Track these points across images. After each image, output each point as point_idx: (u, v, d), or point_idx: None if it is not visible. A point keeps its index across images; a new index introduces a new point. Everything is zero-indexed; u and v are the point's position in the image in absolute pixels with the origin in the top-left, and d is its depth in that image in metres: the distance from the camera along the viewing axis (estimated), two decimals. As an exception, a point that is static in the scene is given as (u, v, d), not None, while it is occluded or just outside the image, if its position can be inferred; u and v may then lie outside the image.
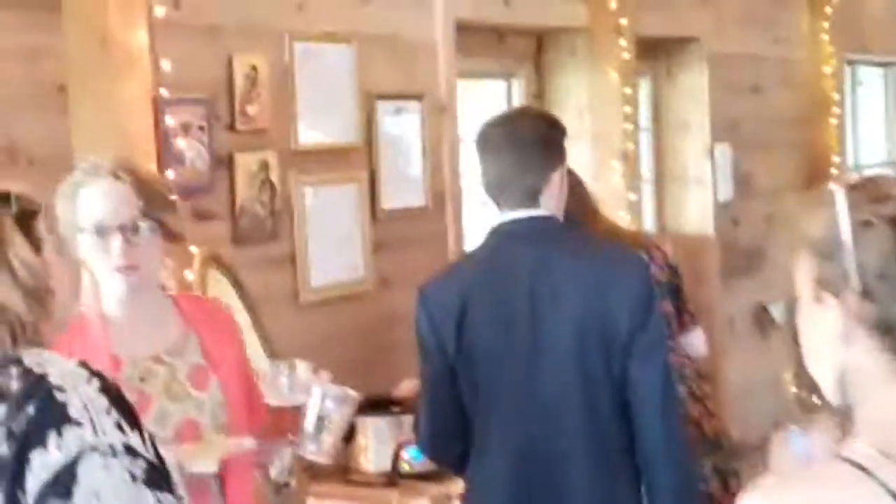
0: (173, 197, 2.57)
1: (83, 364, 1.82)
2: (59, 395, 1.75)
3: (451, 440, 2.88)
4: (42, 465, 1.72)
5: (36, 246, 1.87)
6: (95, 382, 1.79)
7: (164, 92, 3.36)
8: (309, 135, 4.01)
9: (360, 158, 4.25)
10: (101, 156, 3.18)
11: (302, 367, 2.48)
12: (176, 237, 2.48)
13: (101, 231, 2.32)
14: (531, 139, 2.82)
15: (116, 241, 2.32)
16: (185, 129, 3.51)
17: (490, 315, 2.77)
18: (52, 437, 1.72)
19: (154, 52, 3.33)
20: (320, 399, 2.43)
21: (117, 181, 2.37)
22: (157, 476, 1.79)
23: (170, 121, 3.39)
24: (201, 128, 3.57)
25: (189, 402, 2.39)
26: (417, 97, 4.50)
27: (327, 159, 4.10)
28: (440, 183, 4.60)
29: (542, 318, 2.74)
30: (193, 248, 3.38)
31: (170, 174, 3.38)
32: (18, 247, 1.83)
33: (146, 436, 1.81)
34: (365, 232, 4.25)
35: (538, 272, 2.74)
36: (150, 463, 1.78)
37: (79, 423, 1.73)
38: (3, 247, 1.83)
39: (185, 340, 2.45)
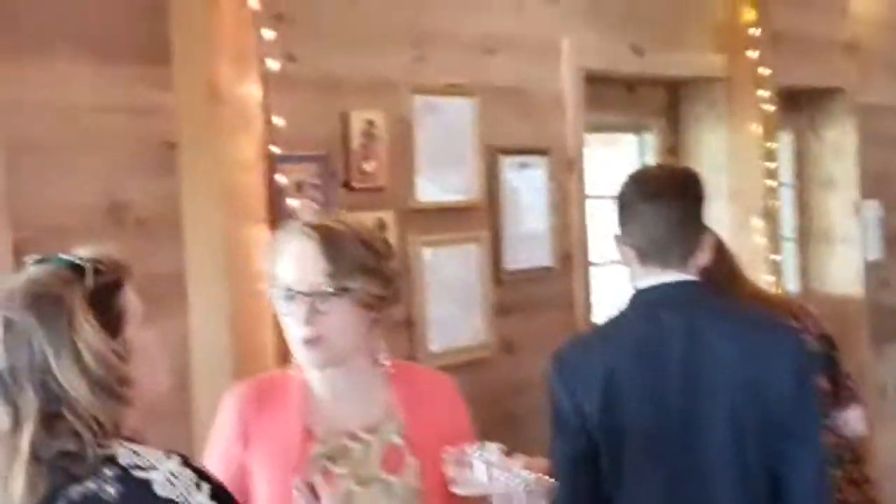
0: (376, 258, 2.20)
1: (185, 461, 1.66)
2: None
3: None
4: None
5: (114, 325, 1.70)
6: (206, 488, 1.63)
7: (275, 149, 3.21)
8: (428, 192, 3.83)
9: (482, 216, 4.05)
10: (212, 216, 3.11)
11: (493, 449, 2.10)
12: (374, 306, 2.17)
13: (289, 297, 2.13)
14: (690, 195, 2.64)
15: (300, 309, 2.11)
16: (299, 187, 3.35)
17: (639, 389, 2.55)
18: None
19: (267, 107, 3.18)
20: (517, 489, 2.04)
21: (306, 240, 2.14)
22: None
23: (282, 179, 3.24)
24: (315, 185, 3.40)
25: (377, 486, 2.17)
26: (543, 152, 4.29)
27: (447, 218, 3.91)
28: (567, 242, 4.37)
29: (695, 393, 2.53)
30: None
31: (280, 235, 3.21)
32: (87, 332, 1.66)
33: None
34: (487, 294, 4.04)
35: (689, 343, 2.54)
36: None
37: None
38: (71, 331, 1.66)
39: (388, 417, 2.22)
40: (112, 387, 1.67)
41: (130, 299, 1.77)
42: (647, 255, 2.60)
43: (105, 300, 1.71)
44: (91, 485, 1.62)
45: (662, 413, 2.53)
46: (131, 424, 1.73)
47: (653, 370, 2.55)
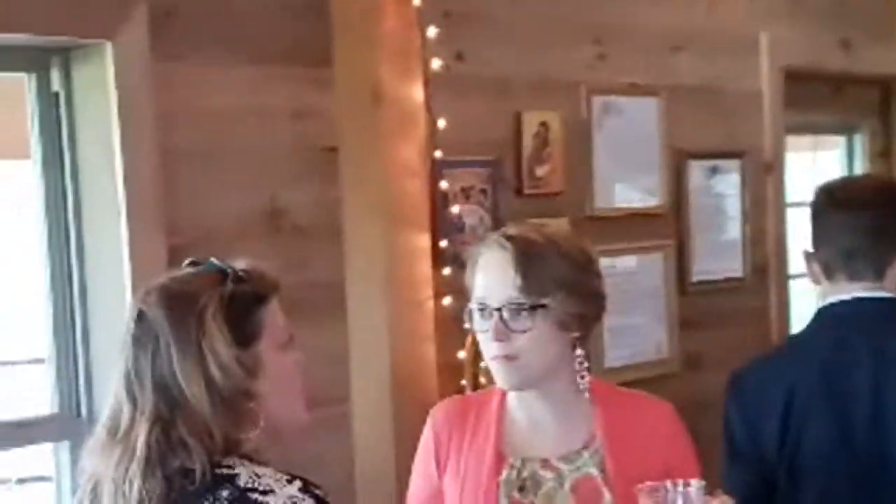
0: (577, 272, 1.99)
1: (306, 487, 1.53)
2: None
3: None
4: None
5: (246, 336, 1.60)
6: None
7: (439, 153, 3.07)
8: (608, 198, 3.63)
9: (667, 224, 3.83)
10: (373, 223, 3.00)
11: (697, 488, 1.83)
12: (574, 324, 1.97)
13: (481, 312, 1.98)
14: (891, 204, 2.38)
15: (492, 325, 1.96)
16: (465, 193, 3.20)
17: (822, 421, 2.28)
18: None
19: (431, 109, 3.05)
20: None
21: (500, 251, 1.97)
22: None
23: (447, 184, 3.09)
24: (483, 191, 3.25)
25: None
26: (738, 155, 4.03)
27: (629, 226, 3.69)
28: (762, 252, 4.09)
29: (885, 430, 2.27)
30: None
31: (444, 244, 3.07)
32: (214, 337, 1.57)
33: None
34: (671, 306, 3.82)
35: (881, 371, 2.28)
36: None
37: None
38: (199, 333, 1.57)
39: (587, 447, 2.04)
40: (233, 399, 1.56)
41: (272, 315, 1.66)
42: (836, 268, 2.34)
43: (241, 309, 1.60)
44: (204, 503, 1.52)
45: (847, 452, 2.27)
46: (253, 446, 1.60)
47: (838, 398, 2.29)
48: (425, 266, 3.03)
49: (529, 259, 1.95)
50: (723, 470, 2.40)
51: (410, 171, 3.03)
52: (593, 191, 3.58)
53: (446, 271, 3.05)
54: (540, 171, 3.43)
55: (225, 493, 1.51)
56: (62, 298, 2.61)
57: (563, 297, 1.95)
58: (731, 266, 4.00)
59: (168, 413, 1.56)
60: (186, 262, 1.71)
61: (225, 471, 1.53)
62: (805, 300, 4.23)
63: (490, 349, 1.98)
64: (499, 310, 1.96)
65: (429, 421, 2.14)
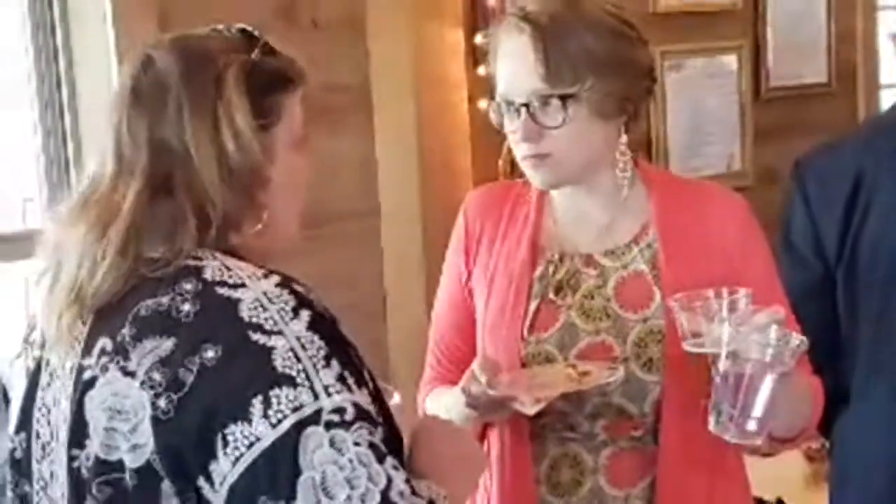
0: (615, 45, 1.68)
1: (286, 282, 1.28)
2: (258, 339, 1.23)
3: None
4: (242, 442, 1.21)
5: (266, 116, 1.34)
6: (305, 315, 1.25)
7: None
8: (672, -8, 3.30)
9: (740, 22, 3.50)
10: (399, 17, 2.72)
11: (745, 300, 1.59)
12: (617, 109, 1.70)
13: (507, 109, 1.71)
14: None
15: (518, 122, 1.69)
16: (506, -17, 2.89)
17: (887, 207, 1.96)
18: (255, 405, 1.21)
19: None
20: (761, 354, 1.53)
21: (518, 35, 1.68)
22: (394, 444, 1.26)
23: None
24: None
25: (606, 323, 1.75)
26: (823, -55, 3.64)
27: (696, 23, 3.37)
28: (849, 54, 3.73)
29: None
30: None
31: (479, 39, 2.78)
32: (234, 105, 1.32)
33: (371, 385, 1.28)
34: (746, 114, 3.52)
35: None
36: (386, 428, 1.25)
37: (291, 381, 1.21)
38: (216, 97, 1.32)
39: (638, 241, 1.77)
40: (245, 178, 1.32)
41: (294, 106, 1.39)
42: None
43: (266, 84, 1.35)
44: (164, 299, 1.28)
45: None
46: (246, 244, 1.35)
47: None
48: (458, 64, 2.76)
49: (552, 39, 1.65)
50: (779, 267, 2.13)
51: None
52: (656, -16, 3.26)
53: (482, 70, 2.77)
54: (595, -39, 3.08)
55: (188, 287, 1.28)
56: (51, 104, 2.46)
57: (599, 79, 1.65)
58: (815, 70, 3.68)
59: (163, 177, 1.32)
60: (207, 28, 1.43)
61: (191, 262, 1.29)
62: None
63: (521, 149, 1.71)
64: (525, 105, 1.67)
65: (461, 209, 1.89)
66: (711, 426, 1.54)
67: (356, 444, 1.20)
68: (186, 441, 1.23)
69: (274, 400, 1.20)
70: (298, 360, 1.22)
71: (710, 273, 1.66)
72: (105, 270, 1.31)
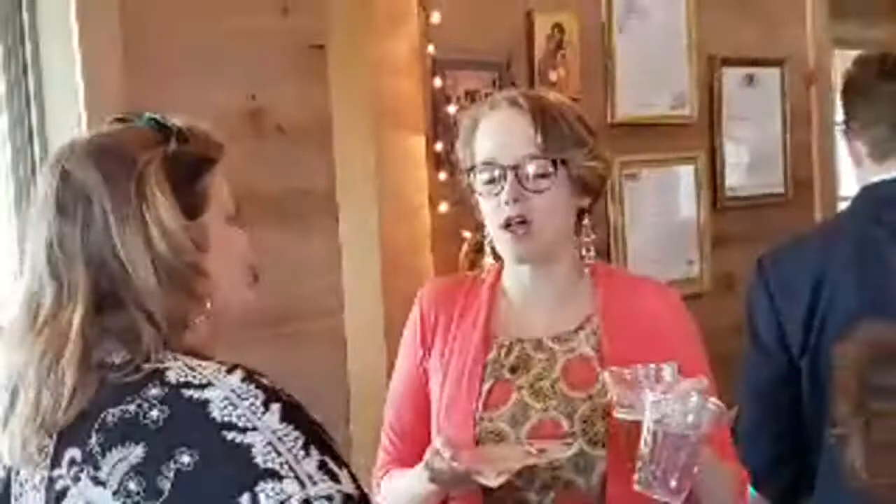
0: (591, 135, 1.90)
1: (250, 376, 1.30)
2: (234, 438, 1.24)
3: (783, 465, 2.21)
4: None
5: (192, 206, 1.36)
6: (275, 408, 1.27)
7: (432, 49, 2.88)
8: (629, 106, 3.41)
9: (696, 136, 3.61)
10: (364, 125, 2.83)
11: (669, 371, 1.72)
12: (587, 188, 1.88)
13: (492, 174, 1.84)
14: None
15: (505, 187, 1.82)
16: (470, 96, 3.01)
17: (853, 291, 2.08)
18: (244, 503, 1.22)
19: (425, 2, 2.86)
20: (684, 419, 1.63)
21: (514, 111, 1.85)
22: None
23: (441, 82, 2.91)
24: (488, 96, 3.05)
25: (554, 401, 1.86)
26: (777, 63, 3.76)
27: (652, 136, 3.48)
28: (805, 167, 3.83)
29: None
30: (467, 234, 2.90)
31: (439, 147, 2.89)
32: (159, 204, 1.32)
33: (347, 466, 1.29)
34: (702, 223, 3.60)
35: None
36: None
37: (275, 475, 1.22)
38: (140, 199, 1.32)
39: (583, 327, 1.90)
40: (182, 276, 1.33)
41: (219, 184, 1.42)
42: (886, 146, 2.12)
43: (187, 174, 1.36)
44: (131, 406, 1.27)
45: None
46: (201, 335, 1.38)
47: (871, 285, 2.07)
48: (420, 170, 2.86)
49: (549, 115, 1.84)
50: (744, 359, 2.22)
51: (403, 70, 2.85)
52: (615, 98, 3.37)
53: (442, 176, 2.88)
54: (553, 76, 3.22)
55: (154, 392, 1.28)
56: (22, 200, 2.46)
57: (581, 156, 1.84)
58: (771, 181, 3.76)
59: (107, 293, 1.33)
60: (111, 117, 1.44)
61: (155, 365, 1.31)
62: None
63: (500, 214, 1.83)
64: (514, 168, 1.81)
65: (416, 300, 2.01)
66: (636, 485, 1.64)
67: None
68: None
69: (262, 495, 1.21)
70: (279, 453, 1.23)
71: (647, 356, 1.76)
72: (69, 398, 1.31)
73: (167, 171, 1.34)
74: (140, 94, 2.39)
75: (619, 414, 1.71)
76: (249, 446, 1.23)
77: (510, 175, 1.81)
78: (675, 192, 3.54)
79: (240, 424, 1.24)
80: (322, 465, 1.24)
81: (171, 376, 1.29)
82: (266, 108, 2.72)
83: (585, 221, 1.90)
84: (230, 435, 1.23)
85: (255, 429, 1.24)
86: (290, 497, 1.21)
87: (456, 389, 1.88)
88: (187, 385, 1.27)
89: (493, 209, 1.84)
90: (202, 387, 1.27)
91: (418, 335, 1.97)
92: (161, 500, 1.23)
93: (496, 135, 1.85)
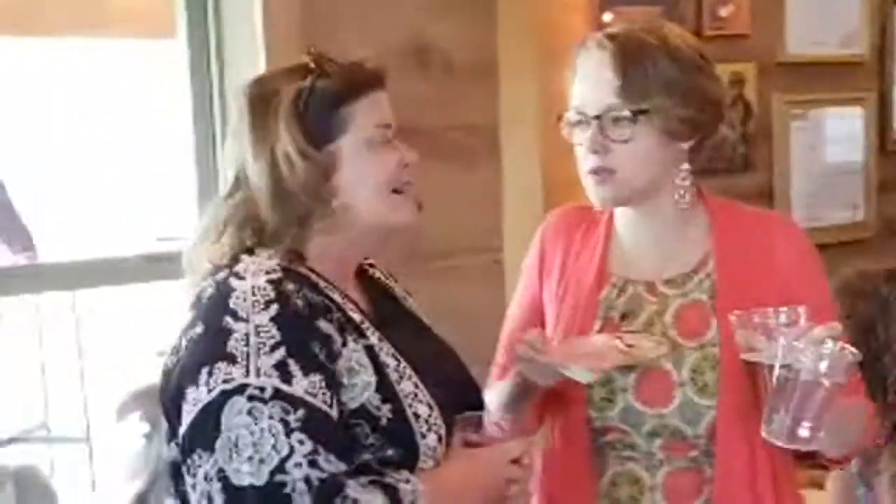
0: (689, 72, 1.75)
1: (279, 281, 1.49)
2: (227, 322, 1.46)
3: None
4: (193, 402, 1.46)
5: (322, 132, 1.56)
6: (273, 308, 1.46)
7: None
8: (801, 42, 3.31)
9: (866, 76, 3.49)
10: (530, 61, 2.80)
11: (801, 316, 1.64)
12: (684, 132, 1.76)
13: (578, 122, 1.78)
14: None
15: (587, 134, 1.76)
16: (637, 32, 2.95)
17: None
18: (202, 375, 1.45)
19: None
20: (816, 363, 1.56)
21: (599, 52, 1.75)
22: (318, 426, 1.43)
23: (611, 18, 2.86)
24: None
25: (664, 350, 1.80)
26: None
27: (822, 75, 3.38)
28: (980, 109, 3.66)
29: None
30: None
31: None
32: (286, 139, 1.55)
33: (334, 381, 1.47)
34: (869, 166, 3.50)
35: None
36: (313, 411, 1.43)
37: (232, 360, 1.44)
38: (272, 134, 1.55)
39: (698, 270, 1.82)
40: (296, 195, 1.54)
41: (363, 112, 1.59)
42: None
43: (322, 104, 1.56)
44: (206, 282, 1.54)
45: None
46: (333, 245, 1.58)
47: None
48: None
49: (631, 59, 1.72)
50: None
51: (571, 4, 2.81)
52: (785, 34, 3.27)
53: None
54: (723, 11, 3.14)
55: (219, 275, 1.52)
56: (207, 169, 2.55)
57: (670, 102, 1.73)
58: (943, 124, 3.62)
59: (236, 198, 1.58)
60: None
61: (241, 255, 1.54)
62: None
63: (587, 162, 1.78)
64: (597, 117, 1.75)
65: (539, 229, 1.99)
66: (764, 432, 1.59)
67: (270, 417, 1.40)
68: (166, 395, 1.51)
69: (216, 372, 1.43)
70: (247, 344, 1.44)
71: (765, 301, 1.68)
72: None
73: (300, 105, 1.54)
74: (314, 35, 2.44)
75: (747, 356, 1.64)
76: (231, 332, 1.44)
77: (593, 125, 1.74)
78: (842, 134, 3.44)
79: (238, 313, 1.46)
80: (280, 365, 1.43)
81: (240, 266, 1.51)
82: (432, 45, 2.72)
83: (684, 165, 1.77)
84: (227, 319, 1.45)
85: (245, 320, 1.45)
86: (232, 379, 1.42)
87: (567, 327, 1.84)
88: (235, 274, 1.50)
89: (580, 154, 1.79)
90: (241, 278, 1.49)
91: (537, 267, 1.94)
92: (176, 358, 1.50)
93: (583, 81, 1.78)
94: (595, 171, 1.76)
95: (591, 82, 1.76)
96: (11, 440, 5.70)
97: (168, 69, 2.62)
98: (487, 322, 2.77)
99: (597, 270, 1.85)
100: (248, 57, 2.48)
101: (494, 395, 1.83)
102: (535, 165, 2.82)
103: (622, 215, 1.86)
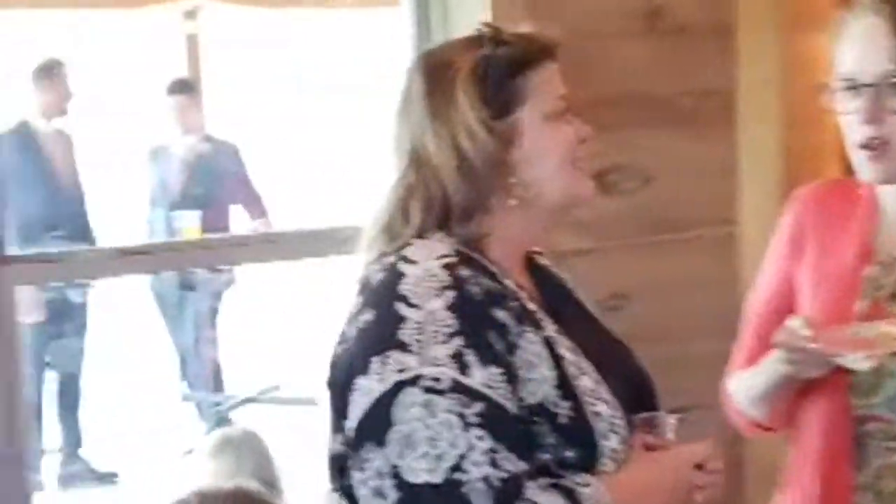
0: None
1: (452, 265, 1.42)
2: (399, 309, 1.40)
3: None
4: (363, 393, 1.39)
5: (502, 102, 1.51)
6: (449, 295, 1.39)
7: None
8: None
9: None
10: (768, 23, 2.65)
11: None
12: None
13: (850, 90, 1.71)
14: None
15: (863, 105, 1.69)
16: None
17: None
18: (374, 364, 1.39)
19: None
20: None
21: (873, 17, 1.70)
22: (497, 422, 1.35)
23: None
24: None
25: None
26: None
27: None
28: None
29: None
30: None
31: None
32: (465, 108, 1.49)
33: (512, 373, 1.38)
34: None
35: None
36: (492, 405, 1.36)
37: (405, 349, 1.37)
38: (450, 104, 1.50)
39: None
40: (481, 170, 1.48)
41: (541, 82, 1.54)
42: None
43: (498, 75, 1.51)
44: (374, 266, 1.49)
45: None
46: (512, 221, 1.52)
47: None
48: (830, 75, 2.66)
49: None
50: None
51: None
52: None
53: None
54: None
55: (387, 260, 1.47)
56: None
57: None
58: None
59: (413, 177, 1.52)
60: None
61: (410, 241, 1.48)
62: None
63: (857, 133, 1.69)
64: (872, 86, 1.65)
65: (789, 204, 1.90)
66: None
67: (447, 410, 1.32)
68: (334, 385, 1.44)
69: (390, 360, 1.37)
70: (421, 332, 1.37)
71: None
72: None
73: (479, 74, 1.50)
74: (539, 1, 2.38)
75: None
76: (403, 318, 1.38)
77: (869, 93, 1.66)
78: None
79: (411, 300, 1.39)
80: (456, 356, 1.35)
81: (408, 251, 1.45)
82: (666, 7, 2.61)
83: None
84: (399, 306, 1.39)
85: (418, 307, 1.38)
86: (407, 368, 1.35)
87: (828, 302, 1.75)
88: (404, 259, 1.44)
89: (849, 126, 1.70)
90: (411, 263, 1.43)
91: (789, 246, 1.86)
92: (345, 346, 1.44)
93: (855, 47, 1.69)
94: (868, 144, 1.67)
95: (863, 48, 1.69)
96: (246, 400, 5.95)
97: (391, 38, 2.61)
98: (718, 296, 2.67)
99: (860, 246, 1.75)
100: (475, 25, 2.44)
101: (742, 388, 1.78)
102: (775, 134, 2.68)
103: (889, 191, 1.76)
